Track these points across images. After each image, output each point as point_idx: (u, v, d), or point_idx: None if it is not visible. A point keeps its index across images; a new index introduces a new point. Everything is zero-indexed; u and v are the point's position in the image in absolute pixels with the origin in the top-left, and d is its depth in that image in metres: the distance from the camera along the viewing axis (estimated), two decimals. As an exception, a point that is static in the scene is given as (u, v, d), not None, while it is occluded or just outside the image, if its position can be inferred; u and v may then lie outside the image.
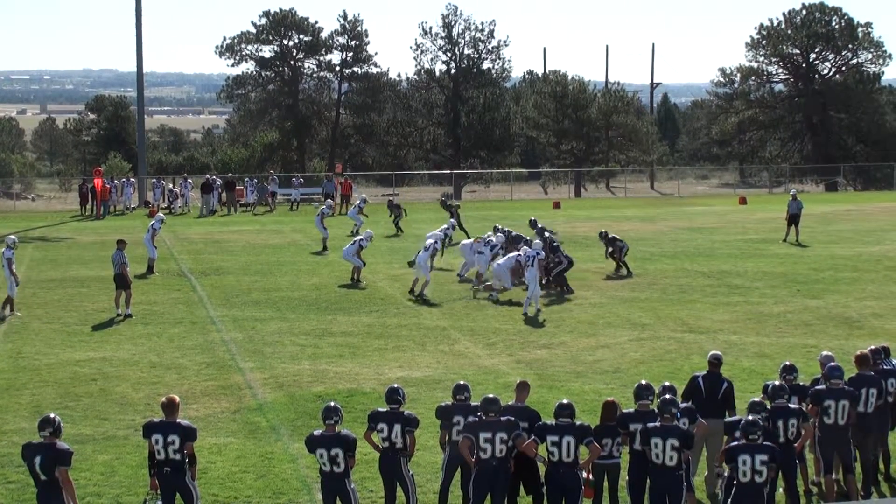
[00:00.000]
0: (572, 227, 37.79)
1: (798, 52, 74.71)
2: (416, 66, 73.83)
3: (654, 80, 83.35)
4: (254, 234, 38.30)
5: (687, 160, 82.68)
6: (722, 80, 76.77)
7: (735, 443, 10.44)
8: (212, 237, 37.23)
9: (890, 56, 74.51)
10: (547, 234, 26.96)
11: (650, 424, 10.68)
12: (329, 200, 40.32)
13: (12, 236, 24.50)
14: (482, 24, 72.13)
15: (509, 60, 74.38)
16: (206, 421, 14.96)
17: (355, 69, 74.52)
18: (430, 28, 71.94)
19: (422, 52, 72.23)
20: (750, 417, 10.63)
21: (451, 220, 32.97)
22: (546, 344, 19.94)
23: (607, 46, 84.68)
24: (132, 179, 52.17)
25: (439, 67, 72.77)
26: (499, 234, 27.50)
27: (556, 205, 50.49)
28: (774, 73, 76.76)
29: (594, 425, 11.24)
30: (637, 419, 11.04)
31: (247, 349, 19.64)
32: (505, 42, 72.51)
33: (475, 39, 71.71)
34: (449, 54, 72.03)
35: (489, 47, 72.01)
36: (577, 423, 10.75)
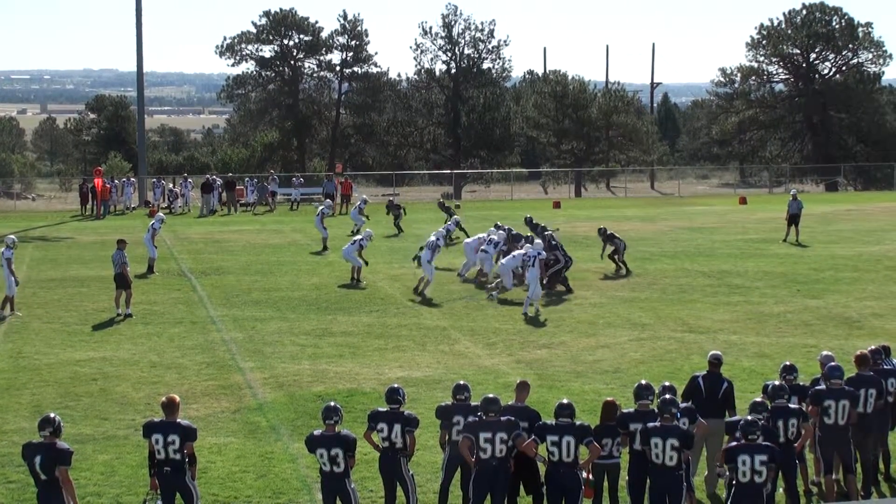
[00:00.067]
0: (572, 227, 37.77)
1: (798, 51, 74.72)
2: (416, 65, 73.92)
3: (655, 80, 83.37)
4: (254, 233, 38.30)
5: (687, 160, 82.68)
6: (722, 79, 76.81)
7: (734, 443, 10.45)
8: (212, 237, 37.23)
9: (890, 56, 74.53)
10: (548, 232, 26.95)
11: (650, 424, 10.68)
12: (328, 200, 40.32)
13: (12, 236, 24.50)
14: (482, 23, 72.23)
15: (509, 60, 74.35)
16: (206, 421, 14.96)
17: (355, 69, 74.51)
18: (430, 28, 72.02)
19: (422, 51, 72.29)
20: (749, 417, 10.63)
21: (454, 218, 33.00)
22: (546, 344, 19.94)
23: (607, 46, 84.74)
24: (132, 179, 52.17)
25: (439, 67, 72.87)
26: (500, 232, 27.53)
27: (557, 205, 50.49)
28: (775, 72, 76.79)
29: (594, 425, 11.24)
30: (637, 419, 11.04)
31: (247, 349, 19.64)
32: (505, 42, 72.60)
33: (475, 39, 71.72)
34: (449, 54, 72.05)
35: (489, 47, 72.04)
36: (577, 423, 10.75)
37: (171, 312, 23.23)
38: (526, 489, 11.42)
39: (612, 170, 72.38)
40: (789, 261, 29.95)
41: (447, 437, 11.35)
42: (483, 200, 57.97)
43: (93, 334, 21.16)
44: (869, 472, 12.34)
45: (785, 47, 74.52)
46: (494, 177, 71.33)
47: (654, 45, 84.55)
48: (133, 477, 12.77)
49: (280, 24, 73.18)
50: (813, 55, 74.70)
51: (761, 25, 75.38)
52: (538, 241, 24.63)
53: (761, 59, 75.56)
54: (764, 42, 74.84)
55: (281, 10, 73.33)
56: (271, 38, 73.40)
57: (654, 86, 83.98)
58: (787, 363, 12.54)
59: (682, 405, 11.36)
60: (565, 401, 10.95)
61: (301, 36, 73.81)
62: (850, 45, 74.00)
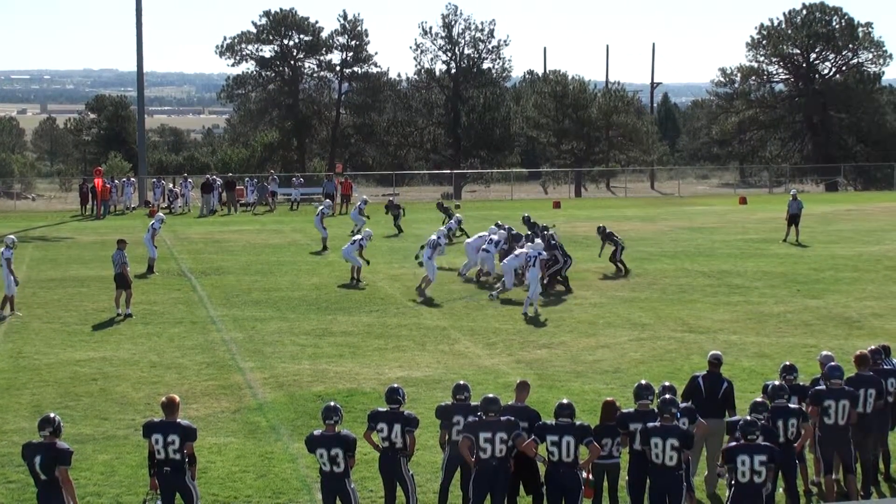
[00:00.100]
0: (572, 227, 37.77)
1: (798, 51, 74.72)
2: (416, 65, 73.92)
3: (655, 80, 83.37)
4: (254, 233, 38.30)
5: (687, 160, 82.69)
6: (722, 79, 76.81)
7: (734, 443, 10.45)
8: (212, 237, 37.23)
9: (890, 56, 74.52)
10: (547, 232, 26.96)
11: (650, 424, 10.68)
12: (328, 200, 40.31)
13: (11, 236, 24.50)
14: (482, 23, 72.24)
15: (509, 60, 74.37)
16: (206, 421, 14.96)
17: (355, 69, 74.51)
18: (430, 28, 72.02)
19: (422, 51, 72.29)
20: (748, 417, 10.64)
21: (456, 216, 33.00)
22: (546, 344, 19.94)
23: (607, 46, 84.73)
24: (132, 179, 52.15)
25: (439, 67, 72.87)
26: (501, 231, 27.55)
27: (557, 205, 50.49)
28: (775, 72, 76.78)
29: (594, 425, 11.24)
30: (637, 419, 11.04)
31: (247, 349, 19.64)
32: (505, 42, 72.60)
33: (475, 39, 71.72)
34: (449, 54, 72.05)
35: (489, 47, 72.04)
36: (577, 422, 10.75)
37: (171, 312, 23.23)
38: (526, 489, 11.42)
39: (612, 170, 72.38)
40: (789, 261, 29.96)
41: (447, 437, 11.35)
42: (483, 200, 57.97)
43: (93, 334, 21.16)
44: (868, 472, 12.34)
45: (785, 47, 74.52)
46: (494, 177, 71.33)
47: (654, 45, 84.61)
48: (133, 477, 12.77)
49: (280, 24, 73.17)
50: (813, 55, 74.70)
51: (761, 25, 75.43)
52: (538, 241, 24.63)
53: (761, 59, 75.59)
54: (764, 42, 74.84)
55: (281, 10, 73.33)
56: (271, 38, 73.40)
57: (654, 86, 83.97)
58: (787, 363, 12.54)
59: (682, 405, 11.36)
60: (565, 401, 10.95)
61: (301, 36, 73.81)
62: (850, 45, 74.01)
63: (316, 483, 11.71)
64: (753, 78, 76.26)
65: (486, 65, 72.72)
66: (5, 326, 21.82)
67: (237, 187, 50.06)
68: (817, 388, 11.99)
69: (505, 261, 24.86)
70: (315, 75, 75.81)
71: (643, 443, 10.73)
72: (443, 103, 72.96)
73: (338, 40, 74.09)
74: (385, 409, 11.10)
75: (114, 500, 12.18)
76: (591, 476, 11.12)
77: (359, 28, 74.02)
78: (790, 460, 11.36)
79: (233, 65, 74.39)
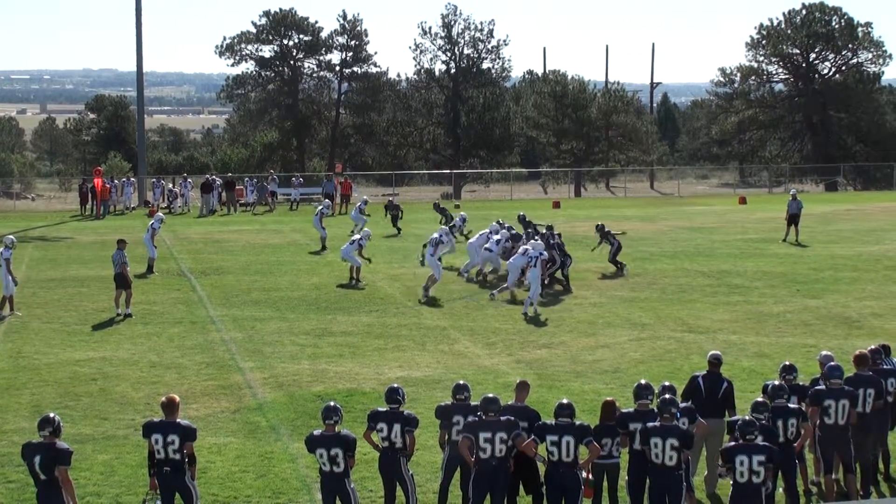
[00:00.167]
0: (572, 227, 37.75)
1: (798, 51, 74.74)
2: (415, 65, 73.95)
3: (654, 80, 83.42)
4: (253, 233, 38.30)
5: (687, 160, 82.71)
6: (722, 79, 76.84)
7: (732, 443, 10.45)
8: (211, 237, 37.23)
9: (890, 56, 74.56)
10: (551, 230, 27.01)
11: (650, 424, 10.68)
12: (327, 200, 40.31)
13: (11, 236, 24.49)
14: (482, 23, 72.29)
15: (509, 60, 74.44)
16: (205, 420, 14.96)
17: (355, 69, 74.51)
18: (430, 28, 72.06)
19: (421, 51, 72.31)
20: (747, 417, 10.64)
21: (461, 214, 32.96)
22: (546, 344, 19.94)
23: (607, 46, 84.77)
24: (132, 179, 52.16)
25: (439, 67, 72.91)
26: (503, 230, 27.58)
27: (556, 204, 50.49)
28: (774, 72, 76.80)
29: (594, 425, 11.24)
30: (637, 419, 11.03)
31: (246, 349, 19.64)
32: (504, 42, 72.65)
33: (475, 39, 71.74)
34: (448, 54, 72.08)
35: (489, 47, 72.07)
36: (577, 422, 10.74)
37: (170, 312, 23.23)
38: (525, 489, 11.42)
39: (611, 170, 72.38)
40: (789, 261, 29.96)
41: (447, 437, 11.35)
42: (483, 200, 57.97)
43: (92, 334, 21.15)
44: (868, 472, 12.34)
45: (785, 47, 74.54)
46: (494, 177, 71.33)
47: (653, 44, 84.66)
48: (133, 477, 12.76)
49: (280, 24, 73.17)
50: (813, 55, 74.71)
51: (761, 25, 75.47)
52: (539, 241, 24.62)
53: (761, 58, 75.61)
54: (764, 42, 74.87)
55: (281, 10, 73.34)
56: (271, 38, 73.40)
57: (653, 86, 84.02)
58: (787, 363, 12.54)
59: (682, 405, 11.36)
60: (565, 401, 10.95)
61: (301, 36, 73.81)
62: (850, 45, 74.03)
63: (316, 483, 11.71)
64: (753, 78, 76.28)
65: (485, 65, 72.80)
66: (5, 326, 21.82)
67: (237, 187, 50.07)
68: (817, 387, 11.99)
69: (511, 260, 24.81)
70: (315, 75, 75.83)
71: (643, 443, 10.73)
72: (442, 103, 72.97)
73: (337, 40, 74.13)
74: (385, 409, 11.10)
75: (113, 500, 12.17)
76: (590, 476, 11.12)
77: (358, 28, 74.05)
78: (790, 460, 11.36)
79: (232, 65, 74.50)
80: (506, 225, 28.59)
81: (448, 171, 65.68)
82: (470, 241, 28.68)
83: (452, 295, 25.05)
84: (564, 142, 72.91)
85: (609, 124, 72.05)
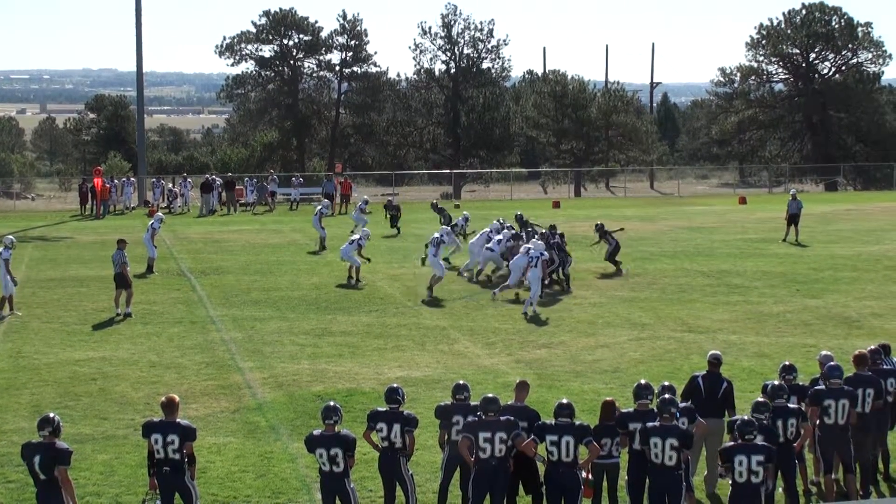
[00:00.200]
0: (572, 227, 37.73)
1: (798, 51, 74.75)
2: (415, 65, 73.95)
3: (654, 80, 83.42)
4: (253, 233, 38.31)
5: (687, 160, 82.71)
6: (722, 79, 76.85)
7: (731, 443, 10.45)
8: (211, 237, 37.23)
9: (890, 56, 74.57)
10: (555, 230, 27.06)
11: (649, 424, 10.68)
12: (326, 200, 40.31)
13: (10, 237, 24.48)
14: (481, 23, 72.29)
15: (509, 60, 74.40)
16: (205, 420, 14.96)
17: (355, 69, 74.51)
18: (430, 28, 72.07)
19: (421, 51, 72.32)
20: (745, 417, 10.63)
21: (464, 214, 33.00)
22: (545, 343, 19.94)
23: (607, 46, 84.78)
24: (132, 179, 52.15)
25: (439, 67, 72.90)
26: (505, 229, 27.60)
27: (556, 204, 50.49)
28: (774, 72, 76.81)
29: (593, 425, 11.23)
30: (636, 419, 11.03)
31: (246, 349, 19.64)
32: (504, 41, 72.64)
33: (474, 39, 71.74)
34: (448, 54, 72.08)
35: (488, 47, 72.07)
36: (577, 422, 10.74)
37: (170, 312, 23.23)
38: (525, 489, 11.42)
39: (611, 170, 72.38)
40: (789, 260, 29.96)
41: (446, 437, 11.35)
42: (482, 200, 57.97)
43: (92, 334, 21.15)
44: (867, 472, 12.34)
45: (784, 47, 74.55)
46: (494, 177, 71.34)
47: (653, 44, 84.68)
48: (132, 477, 12.76)
49: (280, 23, 73.17)
50: (812, 55, 74.72)
51: (761, 25, 75.49)
52: (539, 241, 24.61)
53: (761, 58, 75.63)
54: (763, 42, 74.88)
55: (280, 9, 73.34)
56: (271, 37, 73.40)
57: (653, 85, 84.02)
58: (787, 363, 12.54)
59: (682, 405, 11.36)
60: (565, 400, 10.94)
61: (300, 36, 73.80)
62: (850, 45, 74.04)
63: (315, 483, 11.71)
64: (753, 78, 76.29)
65: (485, 64, 72.80)
66: (4, 326, 21.81)
67: (237, 187, 50.07)
68: (817, 387, 11.99)
69: (513, 260, 24.80)
70: (314, 75, 75.82)
71: (642, 442, 10.73)
72: (442, 103, 72.98)
73: (337, 40, 74.13)
74: (384, 409, 11.10)
75: (113, 499, 12.17)
76: (590, 476, 11.12)
77: (358, 28, 74.05)
78: (789, 460, 11.36)
79: (232, 64, 74.49)
80: (507, 224, 28.61)
81: (448, 171, 65.69)
82: (472, 240, 28.69)
83: (452, 295, 25.05)
84: (564, 142, 72.92)
85: (609, 124, 72.06)
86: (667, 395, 10.94)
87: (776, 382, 11.75)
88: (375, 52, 74.61)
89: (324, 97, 76.10)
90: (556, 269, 25.55)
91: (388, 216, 38.90)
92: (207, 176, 51.53)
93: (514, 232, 27.80)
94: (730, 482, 10.42)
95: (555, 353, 19.20)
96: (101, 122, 79.87)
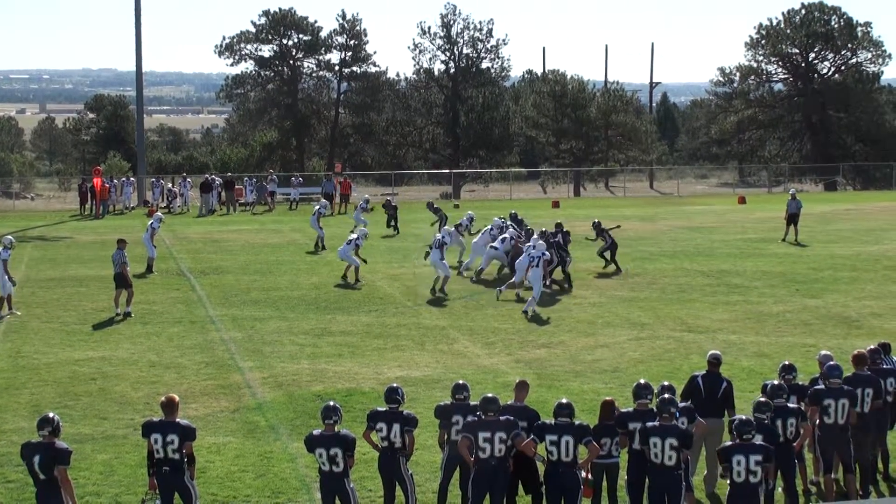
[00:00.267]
0: (571, 227, 37.62)
1: (797, 51, 74.77)
2: (414, 65, 73.98)
3: (654, 80, 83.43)
4: (253, 233, 38.30)
5: (686, 159, 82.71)
6: (721, 79, 76.87)
7: (729, 443, 10.45)
8: (211, 236, 37.23)
9: (889, 56, 74.60)
10: (562, 229, 27.12)
11: (649, 424, 10.68)
12: (324, 200, 40.28)
13: (9, 237, 24.47)
14: (481, 23, 72.27)
15: (508, 59, 74.38)
16: (205, 420, 14.96)
17: (354, 68, 74.48)
18: (429, 28, 72.08)
19: (420, 51, 72.32)
20: (743, 417, 10.63)
21: (468, 214, 33.09)
22: (545, 343, 19.94)
23: (606, 46, 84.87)
24: (131, 179, 52.12)
25: (438, 67, 72.90)
26: (510, 228, 27.61)
27: (556, 204, 50.49)
28: (774, 72, 76.83)
29: (593, 425, 11.24)
30: (636, 418, 11.03)
31: (246, 348, 19.64)
32: (504, 41, 72.62)
33: (474, 39, 71.74)
34: (448, 54, 72.07)
35: (488, 46, 72.06)
36: (576, 422, 10.74)
37: (169, 312, 23.23)
38: (525, 489, 11.42)
39: (611, 169, 72.40)
40: (788, 260, 29.97)
41: (446, 437, 11.34)
42: (482, 200, 57.96)
43: (92, 334, 21.15)
44: (867, 472, 12.34)
45: (784, 47, 74.57)
46: (493, 176, 71.35)
47: (652, 44, 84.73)
48: (132, 476, 12.76)
49: (279, 23, 73.15)
50: (812, 55, 74.75)
51: (760, 25, 75.53)
52: (541, 241, 24.60)
53: (760, 58, 75.66)
54: (763, 41, 74.90)
55: (280, 9, 73.31)
56: (270, 37, 73.37)
57: (653, 85, 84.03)
58: (786, 363, 12.54)
59: (681, 405, 11.36)
60: (564, 400, 10.94)
61: (300, 35, 73.78)
62: (849, 45, 74.07)
63: (315, 483, 11.71)
64: (752, 77, 76.31)
65: (484, 64, 72.76)
66: (4, 326, 21.81)
67: (236, 187, 50.07)
68: (816, 387, 11.99)
69: (519, 260, 24.79)
70: (314, 75, 75.79)
71: (642, 442, 10.73)
72: (441, 103, 72.98)
73: (337, 40, 74.09)
74: (384, 409, 11.10)
75: (113, 499, 12.17)
76: (590, 475, 11.12)
77: (357, 28, 74.02)
78: (789, 460, 11.36)
79: (232, 64, 74.45)
80: (507, 222, 28.62)
81: (447, 171, 65.68)
82: (474, 240, 28.70)
83: (452, 295, 25.05)
84: (564, 141, 72.92)
85: (608, 124, 72.07)
86: (666, 395, 10.94)
87: (776, 382, 11.75)
88: (375, 52, 74.66)
89: (323, 97, 76.09)
90: (555, 268, 25.56)
91: (386, 216, 38.91)
92: (207, 176, 51.51)
93: (517, 231, 27.74)
94: (728, 482, 10.43)
95: (554, 352, 19.20)
96: (100, 121, 79.87)
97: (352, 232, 30.69)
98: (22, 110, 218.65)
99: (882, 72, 75.75)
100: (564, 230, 27.02)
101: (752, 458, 10.16)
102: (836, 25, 73.84)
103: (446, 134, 72.73)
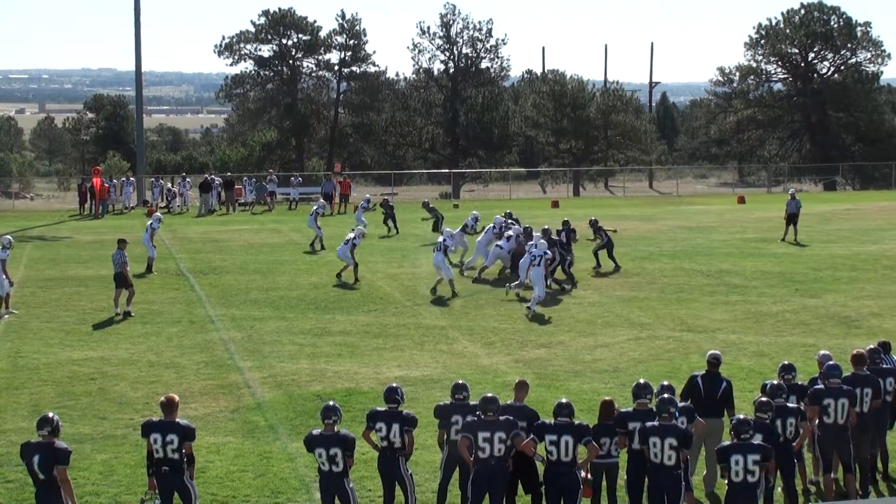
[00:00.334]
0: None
1: (797, 51, 74.80)
2: (414, 65, 74.04)
3: (653, 80, 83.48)
4: (252, 233, 38.30)
5: (686, 159, 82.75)
6: (721, 79, 76.92)
7: (727, 442, 10.45)
8: (210, 236, 37.22)
9: (889, 55, 74.65)
10: (568, 227, 27.14)
11: (648, 423, 10.68)
12: (322, 200, 40.28)
13: (8, 237, 24.47)
14: (480, 23, 72.32)
15: (508, 59, 74.49)
16: (204, 420, 14.96)
17: (354, 68, 74.52)
18: (429, 27, 72.11)
19: (420, 51, 72.39)
20: (742, 417, 10.63)
21: (473, 213, 33.11)
22: (545, 343, 19.94)
23: (606, 46, 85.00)
24: (131, 179, 52.14)
25: (437, 67, 72.94)
26: (515, 227, 27.61)
27: (555, 204, 50.49)
28: (773, 72, 76.87)
29: (592, 424, 11.24)
30: (635, 418, 11.03)
31: (245, 348, 19.64)
32: (503, 41, 72.67)
33: (473, 39, 71.77)
34: (447, 53, 72.10)
35: (487, 46, 72.12)
36: (576, 422, 10.74)
37: (169, 312, 23.22)
38: (524, 488, 11.42)
39: (610, 169, 72.42)
40: (787, 260, 29.97)
41: (446, 437, 11.34)
42: (482, 200, 57.97)
43: (91, 334, 21.15)
44: (866, 472, 12.34)
45: (783, 47, 74.61)
46: (493, 176, 71.39)
47: (652, 44, 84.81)
48: (131, 476, 12.76)
49: (278, 23, 73.18)
50: (811, 55, 74.78)
51: (759, 25, 75.61)
52: (542, 241, 24.60)
53: (760, 58, 75.71)
54: (762, 41, 74.93)
55: (279, 9, 73.37)
56: (270, 37, 73.41)
57: (652, 85, 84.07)
58: (786, 362, 12.54)
59: (681, 404, 11.36)
60: (564, 400, 10.94)
61: (299, 35, 73.81)
62: (849, 45, 74.11)
63: (314, 482, 11.71)
64: (752, 77, 76.35)
65: (484, 64, 72.84)
66: (3, 326, 21.81)
67: (235, 187, 50.09)
68: (816, 387, 11.99)
69: (522, 260, 24.79)
70: (313, 75, 75.83)
71: (642, 442, 10.73)
72: (441, 103, 72.99)
73: (336, 40, 74.14)
74: (384, 409, 11.09)
75: (112, 499, 12.17)
76: (589, 475, 11.12)
77: (357, 27, 74.05)
78: (788, 459, 11.36)
79: (231, 64, 74.51)
80: (508, 221, 28.63)
81: (447, 171, 65.70)
82: (478, 239, 28.70)
83: (452, 295, 25.04)
84: (563, 141, 72.93)
85: (608, 124, 72.07)
86: (666, 395, 10.94)
87: (775, 382, 11.75)
88: (374, 52, 74.75)
89: (323, 97, 76.13)
90: (557, 266, 25.58)
91: (383, 215, 38.87)
92: (206, 175, 51.54)
93: (522, 230, 27.73)
94: (726, 482, 10.43)
95: (554, 352, 19.20)
96: (99, 121, 79.92)
97: (350, 232, 30.71)
98: (21, 110, 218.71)
99: (881, 72, 75.87)
100: (571, 227, 27.04)
101: (750, 458, 10.16)
102: (835, 25, 73.89)
103: (446, 134, 72.74)
